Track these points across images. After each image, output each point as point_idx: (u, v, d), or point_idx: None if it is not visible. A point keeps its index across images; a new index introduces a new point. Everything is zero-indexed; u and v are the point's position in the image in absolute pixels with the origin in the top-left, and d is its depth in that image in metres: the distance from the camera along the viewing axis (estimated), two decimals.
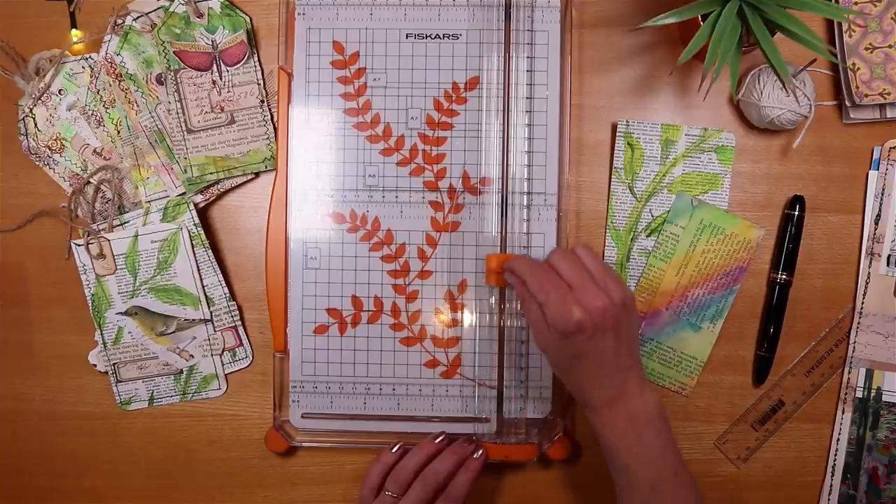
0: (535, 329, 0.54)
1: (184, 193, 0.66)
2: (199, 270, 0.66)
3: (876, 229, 0.65)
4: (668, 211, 0.65)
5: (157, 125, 0.66)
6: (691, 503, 0.54)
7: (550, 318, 0.52)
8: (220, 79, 0.66)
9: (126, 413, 0.68)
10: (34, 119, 0.67)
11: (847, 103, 0.64)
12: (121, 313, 0.66)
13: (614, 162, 0.65)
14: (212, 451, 0.68)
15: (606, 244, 0.66)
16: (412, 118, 0.65)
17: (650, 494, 0.53)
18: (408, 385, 0.65)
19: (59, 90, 0.67)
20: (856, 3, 0.63)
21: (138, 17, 0.66)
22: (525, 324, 0.63)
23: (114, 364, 0.67)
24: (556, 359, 0.54)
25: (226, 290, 0.67)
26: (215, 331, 0.67)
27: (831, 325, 0.66)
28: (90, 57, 0.67)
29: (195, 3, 0.65)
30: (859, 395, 0.65)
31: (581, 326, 0.51)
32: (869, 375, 0.65)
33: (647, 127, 0.65)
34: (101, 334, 0.67)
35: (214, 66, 0.66)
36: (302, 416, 0.66)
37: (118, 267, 0.66)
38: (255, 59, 0.67)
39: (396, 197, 0.65)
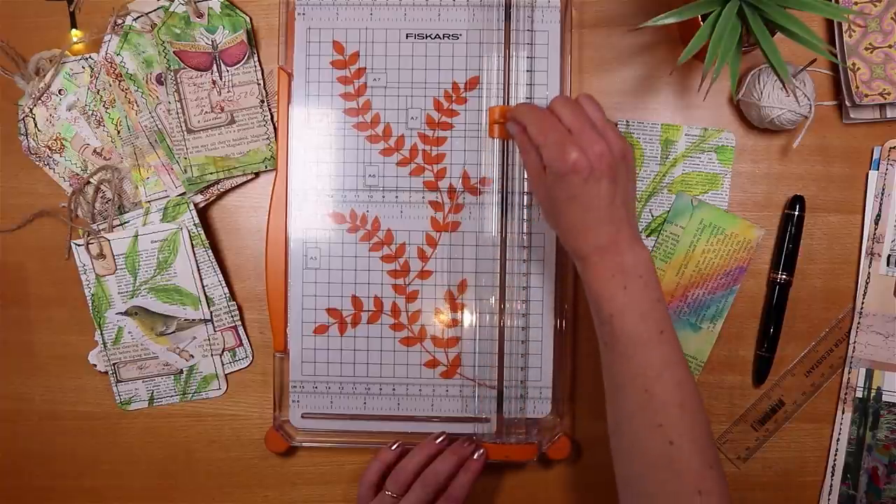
0: (531, 176, 0.54)
1: (184, 193, 0.66)
2: (199, 270, 0.66)
3: (876, 229, 0.65)
4: (668, 211, 0.65)
5: (157, 125, 0.66)
6: (676, 363, 0.51)
7: (547, 158, 0.51)
8: (220, 79, 0.66)
9: (126, 413, 0.68)
10: (34, 119, 0.67)
11: (847, 103, 0.64)
12: (121, 313, 0.66)
13: None
14: (212, 451, 0.68)
15: None
16: (412, 118, 0.65)
17: (631, 348, 0.51)
18: (408, 385, 0.65)
19: (59, 90, 0.67)
20: (856, 3, 0.63)
21: (138, 17, 0.66)
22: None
23: (114, 364, 0.67)
24: (550, 203, 0.53)
25: (226, 290, 0.67)
26: (215, 331, 0.67)
27: (831, 325, 0.66)
28: (90, 57, 0.67)
29: (195, 3, 0.65)
30: (859, 395, 0.65)
31: (576, 167, 0.50)
32: (869, 375, 0.65)
33: (647, 127, 0.65)
34: (101, 334, 0.67)
35: (214, 66, 0.66)
36: (302, 416, 0.66)
37: (118, 267, 0.66)
38: (255, 59, 0.67)
39: (396, 197, 0.65)
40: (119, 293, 0.66)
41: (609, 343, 0.52)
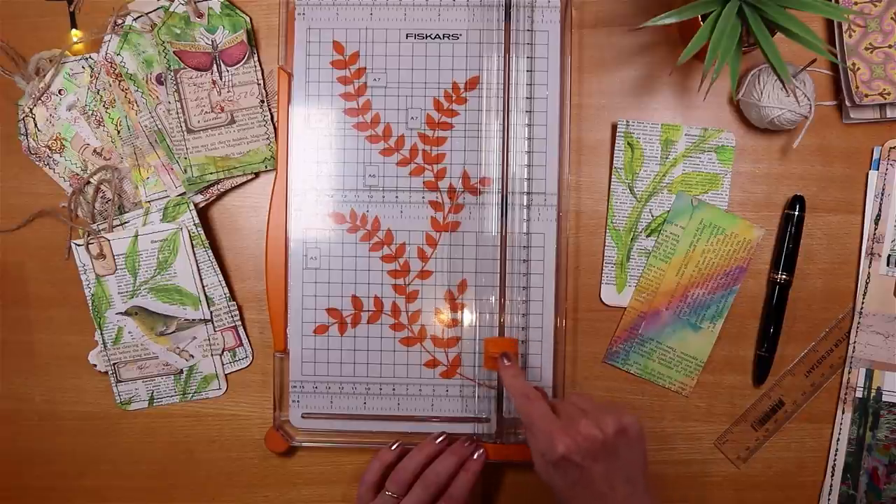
0: (532, 447, 0.55)
1: (184, 193, 0.66)
2: (199, 270, 0.66)
3: (876, 229, 0.65)
4: (668, 211, 0.65)
5: (157, 125, 0.66)
6: None
7: (534, 446, 0.53)
8: (220, 79, 0.66)
9: (126, 413, 0.68)
10: (34, 119, 0.67)
11: (847, 103, 0.64)
12: (121, 313, 0.66)
13: (614, 162, 0.65)
14: (212, 451, 0.68)
15: (606, 244, 0.66)
16: (412, 118, 0.65)
17: None
18: (408, 385, 0.65)
19: (59, 90, 0.67)
20: (856, 3, 0.63)
21: (138, 17, 0.66)
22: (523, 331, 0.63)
23: (114, 364, 0.67)
24: (550, 482, 0.54)
25: (226, 290, 0.67)
26: (215, 331, 0.67)
27: (831, 325, 0.66)
28: (90, 57, 0.67)
29: (195, 3, 0.65)
30: (859, 395, 0.65)
31: (567, 456, 0.51)
32: (869, 375, 0.65)
33: (647, 127, 0.65)
34: (101, 334, 0.67)
35: (214, 66, 0.66)
36: (302, 416, 0.66)
37: (118, 267, 0.66)
38: (255, 59, 0.67)
39: (396, 197, 0.65)
40: (119, 293, 0.66)
41: None
